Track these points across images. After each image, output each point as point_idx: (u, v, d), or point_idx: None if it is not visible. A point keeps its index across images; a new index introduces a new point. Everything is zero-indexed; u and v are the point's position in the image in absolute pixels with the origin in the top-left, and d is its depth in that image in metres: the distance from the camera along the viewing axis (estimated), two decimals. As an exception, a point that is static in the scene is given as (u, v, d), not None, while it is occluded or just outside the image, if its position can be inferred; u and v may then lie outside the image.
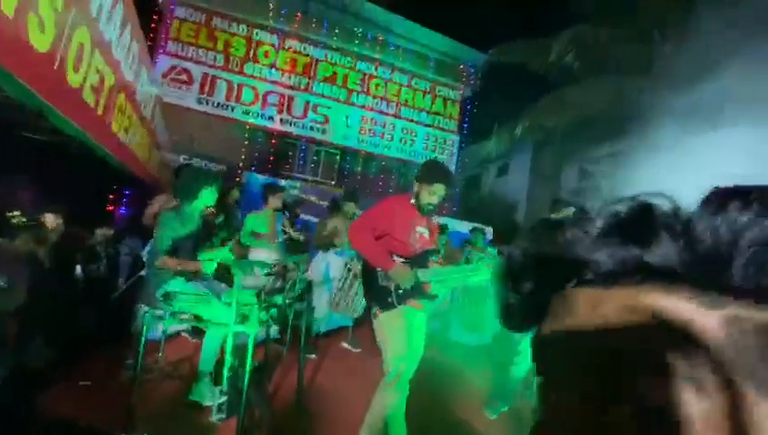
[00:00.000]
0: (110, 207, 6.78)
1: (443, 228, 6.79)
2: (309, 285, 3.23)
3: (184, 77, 10.02)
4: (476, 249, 5.21)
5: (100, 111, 2.85)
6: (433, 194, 2.24)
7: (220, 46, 10.27)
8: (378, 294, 2.15)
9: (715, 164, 3.64)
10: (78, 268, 3.13)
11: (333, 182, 11.81)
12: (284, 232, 4.11)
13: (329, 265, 4.04)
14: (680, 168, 3.96)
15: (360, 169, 11.93)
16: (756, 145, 3.58)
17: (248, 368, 2.04)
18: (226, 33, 10.33)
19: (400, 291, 2.13)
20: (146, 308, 2.17)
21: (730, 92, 4.15)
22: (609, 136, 8.09)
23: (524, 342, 2.98)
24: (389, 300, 2.12)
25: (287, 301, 2.48)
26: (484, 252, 5.05)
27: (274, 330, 2.82)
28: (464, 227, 8.53)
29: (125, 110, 3.47)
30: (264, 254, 3.63)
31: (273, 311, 2.35)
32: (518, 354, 2.99)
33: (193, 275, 2.50)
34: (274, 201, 3.94)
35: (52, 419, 2.02)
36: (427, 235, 2.32)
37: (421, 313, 2.22)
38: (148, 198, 3.78)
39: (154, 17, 9.83)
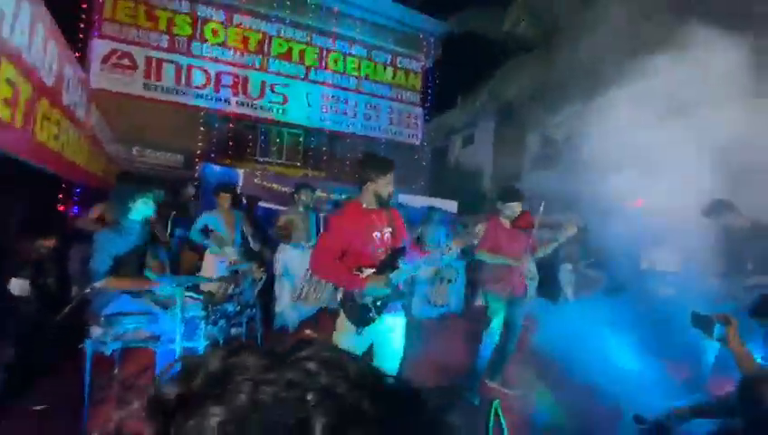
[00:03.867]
0: (62, 207, 6.44)
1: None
2: (267, 282, 3.21)
3: (126, 61, 9.33)
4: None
5: (19, 124, 2.66)
6: (387, 185, 2.23)
7: (162, 26, 9.57)
8: (361, 313, 2.14)
9: (669, 124, 3.82)
10: (17, 284, 2.99)
11: (299, 164, 11.58)
12: (243, 237, 4.04)
13: (287, 258, 4.04)
14: (635, 128, 4.13)
15: (325, 148, 11.70)
16: (697, 104, 3.76)
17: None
18: (168, 10, 9.61)
19: (379, 303, 2.15)
20: (91, 331, 2.13)
21: (677, 58, 4.25)
22: (566, 102, 8.24)
23: (497, 320, 3.10)
24: (371, 315, 2.14)
25: (238, 308, 2.49)
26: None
27: (237, 331, 2.84)
28: (431, 203, 8.59)
29: (51, 116, 3.24)
30: (219, 258, 3.59)
31: (223, 322, 2.36)
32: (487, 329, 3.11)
33: (138, 292, 2.46)
34: (224, 200, 3.86)
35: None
36: (389, 234, 2.29)
37: (395, 317, 2.26)
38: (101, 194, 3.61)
39: (84, -4, 8.99)
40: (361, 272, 2.15)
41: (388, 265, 2.19)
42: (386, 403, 0.33)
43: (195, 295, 2.46)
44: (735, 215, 3.18)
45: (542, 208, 3.03)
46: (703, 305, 3.17)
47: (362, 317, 2.13)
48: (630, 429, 2.47)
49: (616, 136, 4.27)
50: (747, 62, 3.58)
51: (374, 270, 2.16)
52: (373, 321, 2.14)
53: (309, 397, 0.31)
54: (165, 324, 2.26)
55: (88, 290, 2.45)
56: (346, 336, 2.18)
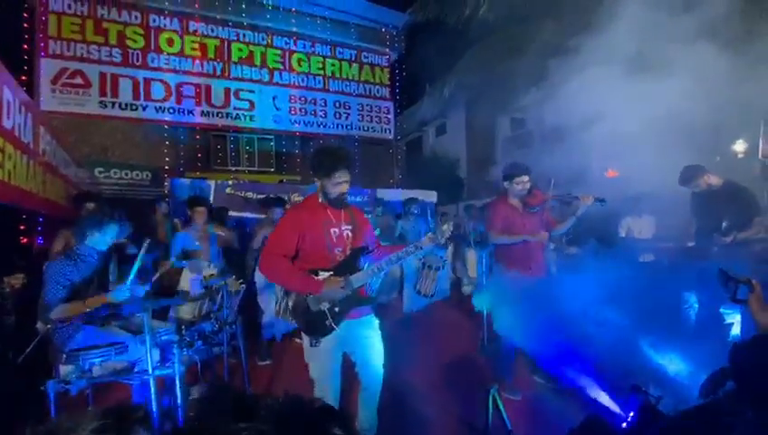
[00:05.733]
0: (25, 240, 6.08)
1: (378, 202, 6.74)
2: (247, 294, 3.06)
3: (78, 80, 8.90)
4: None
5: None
6: (338, 183, 1.99)
7: (113, 40, 9.15)
8: (313, 322, 1.92)
9: (630, 96, 3.84)
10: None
11: (273, 170, 11.33)
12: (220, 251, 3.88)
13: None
14: (600, 103, 4.15)
15: (298, 151, 11.47)
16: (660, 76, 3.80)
17: (181, 411, 1.93)
18: (117, 23, 9.19)
19: (336, 309, 1.93)
20: (55, 370, 1.96)
21: (638, 32, 4.27)
22: (531, 84, 8.30)
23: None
24: (327, 323, 1.91)
25: (216, 326, 2.35)
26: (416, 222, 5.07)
27: (219, 350, 2.70)
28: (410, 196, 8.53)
29: (-9, 145, 3.01)
30: (193, 275, 3.43)
31: (200, 343, 2.22)
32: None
33: (104, 320, 2.29)
34: (198, 216, 3.70)
35: None
36: (349, 232, 2.07)
37: (363, 322, 2.07)
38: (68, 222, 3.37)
39: (25, 15, 8.49)
40: (317, 275, 1.93)
41: (347, 266, 1.98)
42: None
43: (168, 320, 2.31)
44: (707, 177, 3.21)
45: (552, 184, 2.94)
46: (684, 269, 3.24)
47: (317, 326, 1.90)
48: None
49: (584, 110, 4.30)
50: (709, 28, 3.62)
51: (331, 273, 1.95)
52: (332, 330, 1.90)
53: None
54: (136, 353, 2.11)
55: (48, 326, 2.26)
56: (308, 351, 1.98)
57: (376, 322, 2.13)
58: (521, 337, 2.85)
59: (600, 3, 4.53)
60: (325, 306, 1.92)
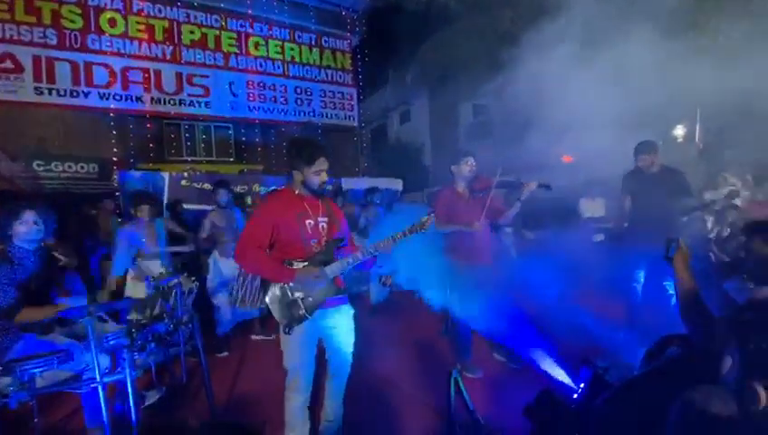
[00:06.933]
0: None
1: (339, 190, 6.62)
2: (196, 292, 2.94)
3: (9, 64, 8.10)
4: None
5: None
6: (318, 171, 2.01)
7: (47, 20, 8.37)
8: (287, 310, 1.96)
9: (586, 82, 3.98)
10: None
11: (232, 160, 10.91)
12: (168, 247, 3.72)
13: (217, 265, 3.80)
14: (554, 90, 4.28)
15: (258, 139, 11.10)
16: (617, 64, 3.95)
17: (135, 417, 1.85)
18: (51, 1, 8.39)
19: (310, 299, 1.97)
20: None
21: (595, 18, 4.39)
22: (491, 70, 8.40)
23: None
24: (301, 313, 1.96)
25: (171, 326, 2.25)
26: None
27: (175, 350, 2.58)
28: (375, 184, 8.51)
29: None
30: (143, 274, 3.26)
31: (152, 345, 2.12)
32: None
33: (46, 328, 2.14)
34: (142, 212, 3.50)
35: None
36: (325, 224, 2.09)
37: (338, 311, 2.11)
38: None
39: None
40: (291, 265, 1.96)
41: (322, 257, 2.01)
42: None
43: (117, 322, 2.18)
44: (657, 156, 3.38)
45: (499, 171, 3.01)
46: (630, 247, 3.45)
47: (290, 315, 1.95)
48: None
49: (540, 97, 4.42)
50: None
51: (306, 263, 1.98)
52: (304, 319, 1.96)
53: None
54: (82, 360, 1.99)
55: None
56: (283, 339, 2.02)
57: (351, 311, 2.18)
58: (475, 321, 2.96)
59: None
60: (299, 296, 1.97)
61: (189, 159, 10.23)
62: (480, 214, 2.96)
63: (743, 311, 1.47)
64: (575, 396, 2.07)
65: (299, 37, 11.33)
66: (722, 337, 1.38)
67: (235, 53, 10.43)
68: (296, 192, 2.08)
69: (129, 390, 1.89)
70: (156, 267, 3.33)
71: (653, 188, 3.34)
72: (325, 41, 11.72)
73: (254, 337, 4.02)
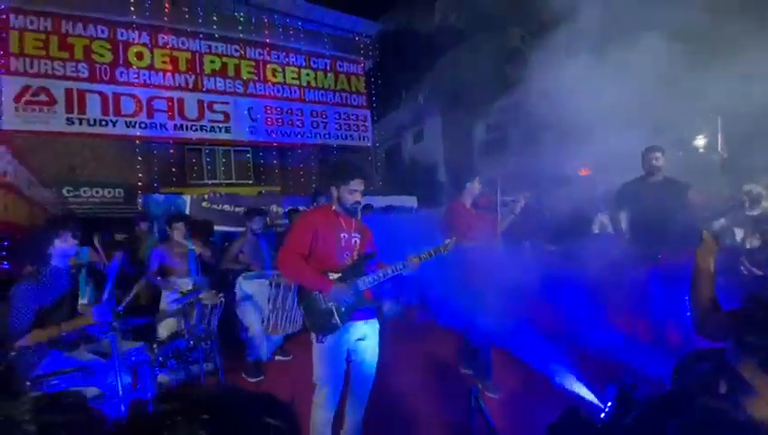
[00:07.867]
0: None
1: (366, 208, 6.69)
2: (221, 308, 2.98)
3: (43, 97, 8.61)
4: None
5: None
6: (354, 192, 2.16)
7: (79, 55, 8.92)
8: (321, 318, 2.06)
9: (602, 95, 3.97)
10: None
11: (251, 182, 11.18)
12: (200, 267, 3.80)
13: (242, 287, 3.85)
14: (569, 105, 4.27)
15: (275, 162, 11.37)
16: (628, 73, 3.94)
17: None
18: (83, 38, 8.96)
19: (343, 309, 2.07)
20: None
21: (608, 30, 4.39)
22: (502, 88, 8.47)
23: None
24: (333, 322, 2.05)
25: (191, 343, 2.28)
26: None
27: (196, 368, 2.60)
28: (390, 202, 8.55)
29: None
30: (170, 291, 3.33)
31: (173, 362, 2.16)
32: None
33: (72, 344, 2.20)
34: (177, 232, 3.61)
35: None
36: (357, 239, 2.24)
37: (367, 324, 2.20)
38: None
39: (-17, 32, 8.20)
40: (327, 275, 2.08)
41: (354, 270, 2.13)
42: None
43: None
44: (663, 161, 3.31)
45: (498, 187, 3.15)
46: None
47: (324, 323, 2.04)
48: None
49: (555, 112, 4.42)
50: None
51: (339, 274, 2.09)
52: (337, 328, 2.04)
53: None
54: (106, 377, 2.03)
55: (13, 353, 2.15)
56: (316, 350, 2.09)
57: (377, 326, 2.27)
58: (496, 340, 2.92)
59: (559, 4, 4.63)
60: (333, 305, 2.06)
61: (210, 182, 10.54)
62: (487, 227, 3.06)
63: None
64: (602, 415, 1.99)
65: (314, 63, 11.72)
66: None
67: (254, 80, 10.84)
68: (333, 208, 2.23)
69: (151, 407, 1.91)
70: (183, 285, 3.40)
71: (657, 198, 3.24)
72: (339, 66, 12.09)
73: (279, 358, 3.99)
